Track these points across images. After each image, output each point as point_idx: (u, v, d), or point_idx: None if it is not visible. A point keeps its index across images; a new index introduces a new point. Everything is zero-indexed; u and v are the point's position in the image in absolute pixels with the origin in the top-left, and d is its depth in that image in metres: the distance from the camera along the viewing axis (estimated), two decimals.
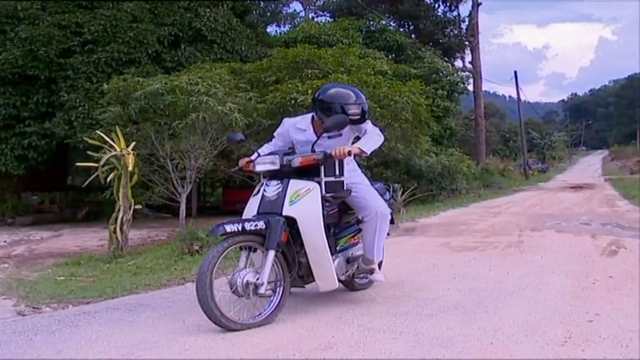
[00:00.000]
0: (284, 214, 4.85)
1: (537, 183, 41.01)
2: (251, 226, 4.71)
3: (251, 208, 5.09)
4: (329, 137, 5.28)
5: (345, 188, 5.21)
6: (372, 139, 5.28)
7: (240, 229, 4.67)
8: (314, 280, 5.11)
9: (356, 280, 5.76)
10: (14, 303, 6.36)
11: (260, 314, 4.76)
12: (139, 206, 11.27)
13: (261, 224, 4.73)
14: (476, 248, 9.33)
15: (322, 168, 5.02)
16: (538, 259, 8.00)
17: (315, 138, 5.27)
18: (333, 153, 4.99)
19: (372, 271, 5.50)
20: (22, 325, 5.02)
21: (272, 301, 4.85)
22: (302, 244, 4.94)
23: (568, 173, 60.97)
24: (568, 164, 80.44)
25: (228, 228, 4.64)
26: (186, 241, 9.69)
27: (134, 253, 10.20)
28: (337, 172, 5.11)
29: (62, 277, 8.09)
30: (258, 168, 5.17)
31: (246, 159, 5.40)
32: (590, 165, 77.26)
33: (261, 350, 4.10)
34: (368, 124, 5.39)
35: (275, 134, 5.75)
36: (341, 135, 5.31)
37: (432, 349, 4.06)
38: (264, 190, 5.05)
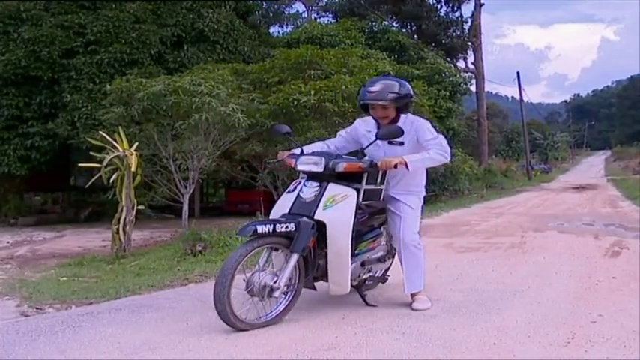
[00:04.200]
0: (315, 217, 4.76)
1: (540, 184, 41.02)
2: (282, 227, 4.61)
3: (283, 205, 4.99)
4: (389, 143, 5.19)
5: (382, 198, 5.19)
6: (426, 158, 5.04)
7: (271, 230, 4.57)
8: (322, 279, 5.03)
9: (366, 284, 5.61)
10: (17, 303, 6.36)
11: (267, 314, 4.72)
12: (141, 207, 11.32)
13: (291, 226, 4.64)
14: (479, 249, 9.33)
15: (365, 175, 4.98)
16: (541, 260, 8.00)
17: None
18: (380, 164, 4.89)
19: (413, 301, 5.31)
20: (26, 325, 5.02)
21: (281, 302, 4.80)
22: (323, 247, 4.85)
23: (570, 174, 61.01)
24: (570, 165, 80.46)
25: (260, 229, 4.54)
26: (188, 241, 9.70)
27: (137, 254, 10.22)
28: (379, 181, 5.08)
29: (65, 278, 8.10)
30: (300, 167, 5.04)
31: (287, 152, 5.31)
32: (592, 166, 77.28)
33: (264, 351, 4.10)
34: (437, 139, 5.13)
35: (339, 133, 5.65)
36: (402, 144, 5.17)
37: (435, 350, 4.07)
38: (301, 190, 4.95)
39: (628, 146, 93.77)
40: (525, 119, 54.29)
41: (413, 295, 5.31)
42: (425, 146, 5.10)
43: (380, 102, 5.13)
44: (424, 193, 5.49)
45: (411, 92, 5.29)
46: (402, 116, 5.22)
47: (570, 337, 4.33)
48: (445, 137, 5.33)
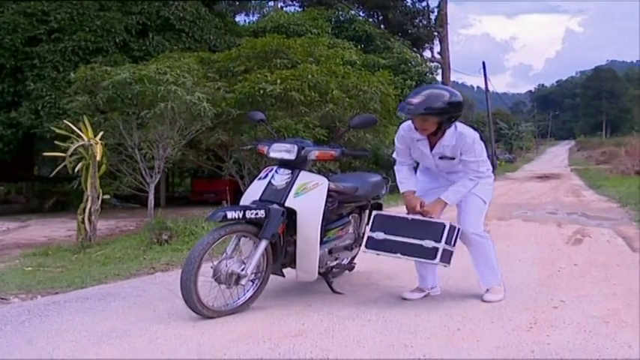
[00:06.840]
0: (286, 204, 4.75)
1: (505, 173, 41.36)
2: (252, 214, 4.59)
3: (254, 192, 4.95)
4: (440, 158, 5.02)
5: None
6: (462, 191, 5.08)
7: (240, 216, 4.55)
8: (289, 266, 5.04)
9: (333, 271, 5.63)
10: None
11: (234, 302, 4.71)
12: (107, 196, 11.21)
13: (261, 213, 4.62)
14: None
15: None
16: (505, 248, 8.09)
17: (429, 149, 5.01)
18: (425, 210, 5.10)
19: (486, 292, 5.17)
20: None
21: (248, 290, 4.79)
22: (292, 234, 4.85)
23: (535, 163, 61.54)
24: (535, 154, 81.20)
25: (230, 214, 4.52)
26: (154, 230, 9.65)
27: (102, 244, 10.15)
28: None
29: (30, 268, 8.02)
30: (272, 154, 5.00)
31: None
32: (556, 155, 78.05)
33: (231, 338, 4.11)
34: (474, 163, 4.98)
35: (397, 145, 5.25)
36: (453, 159, 4.99)
37: (400, 335, 4.11)
38: (273, 177, 4.92)
39: (591, 136, 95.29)
40: (491, 109, 54.66)
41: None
42: (463, 165, 5.00)
43: (413, 115, 4.83)
44: (488, 179, 5.20)
45: (455, 104, 4.92)
46: (450, 130, 4.92)
47: (533, 322, 4.41)
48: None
